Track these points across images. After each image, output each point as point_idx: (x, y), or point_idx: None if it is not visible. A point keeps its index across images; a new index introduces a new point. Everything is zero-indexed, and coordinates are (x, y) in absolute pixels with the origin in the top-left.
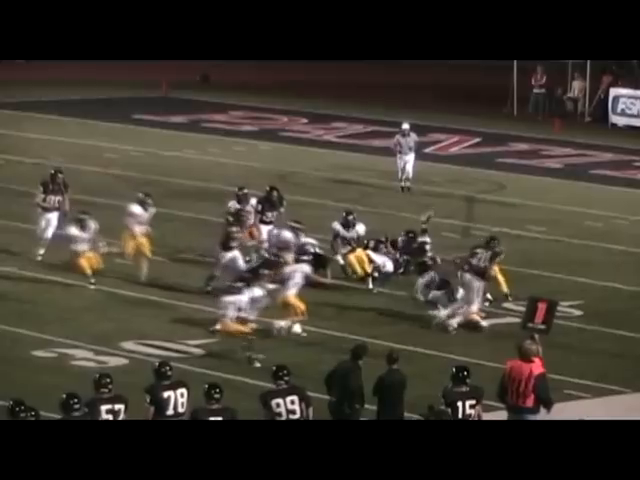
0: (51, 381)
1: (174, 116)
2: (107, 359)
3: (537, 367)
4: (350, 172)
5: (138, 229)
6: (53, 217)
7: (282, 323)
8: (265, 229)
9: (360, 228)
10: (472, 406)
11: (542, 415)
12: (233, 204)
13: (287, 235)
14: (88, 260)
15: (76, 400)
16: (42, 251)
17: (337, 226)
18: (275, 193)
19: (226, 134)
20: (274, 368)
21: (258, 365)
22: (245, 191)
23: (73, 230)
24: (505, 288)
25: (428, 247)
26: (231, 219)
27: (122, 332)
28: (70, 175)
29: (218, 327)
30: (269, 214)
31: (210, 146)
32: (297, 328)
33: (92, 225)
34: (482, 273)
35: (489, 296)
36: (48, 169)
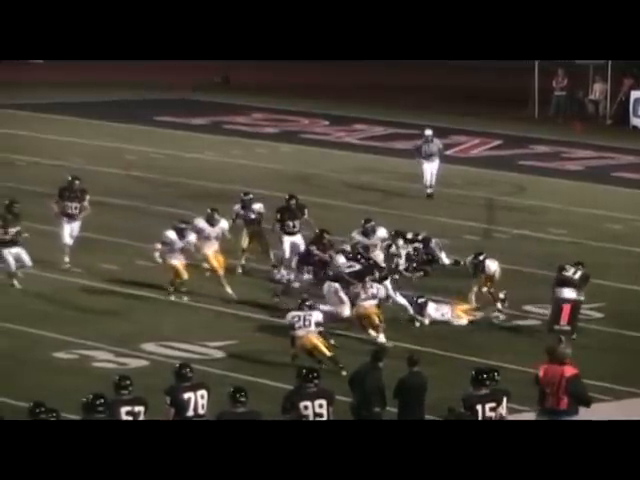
0: (72, 383)
1: (195, 118)
2: (128, 361)
3: (570, 369)
4: (371, 174)
5: (207, 246)
6: (72, 224)
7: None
8: (287, 240)
9: (381, 232)
10: (492, 409)
11: (581, 415)
12: (237, 208)
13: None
14: (178, 269)
15: (102, 401)
16: (67, 259)
17: (357, 236)
18: (294, 201)
19: (247, 136)
20: (304, 371)
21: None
22: (250, 196)
23: (172, 236)
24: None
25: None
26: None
27: (143, 334)
28: (90, 177)
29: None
30: (290, 223)
31: (231, 148)
32: (382, 338)
33: (190, 235)
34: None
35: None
36: (68, 170)
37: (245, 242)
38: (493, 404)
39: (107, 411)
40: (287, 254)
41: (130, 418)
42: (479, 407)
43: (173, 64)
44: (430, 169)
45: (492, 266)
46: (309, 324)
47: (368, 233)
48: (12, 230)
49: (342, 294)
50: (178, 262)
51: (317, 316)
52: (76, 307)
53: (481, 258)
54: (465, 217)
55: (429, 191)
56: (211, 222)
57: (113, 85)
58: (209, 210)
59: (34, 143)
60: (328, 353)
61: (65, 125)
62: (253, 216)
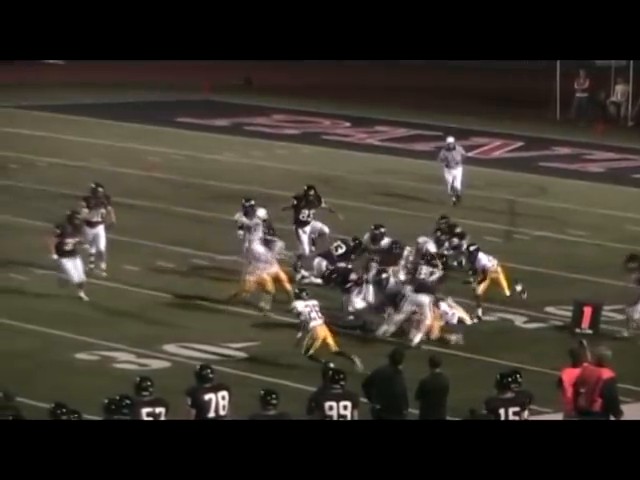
0: (93, 384)
1: (216, 119)
2: (149, 362)
3: (607, 372)
4: (392, 176)
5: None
6: (100, 230)
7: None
8: (303, 235)
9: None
10: (516, 413)
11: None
12: (239, 216)
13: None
14: (264, 281)
15: (128, 402)
16: (104, 265)
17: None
18: (312, 192)
19: (268, 137)
20: (330, 371)
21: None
22: (252, 202)
23: (259, 249)
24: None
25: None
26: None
27: (164, 335)
28: (111, 178)
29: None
30: (305, 212)
31: (252, 149)
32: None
33: (279, 245)
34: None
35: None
36: (89, 171)
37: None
38: (517, 408)
39: (129, 412)
40: (307, 250)
41: (151, 419)
42: (502, 411)
43: (194, 65)
44: (453, 177)
45: (483, 260)
46: (320, 315)
47: (376, 239)
48: (71, 241)
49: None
50: (266, 274)
51: (317, 303)
52: (97, 308)
53: (472, 249)
54: (486, 219)
55: (454, 199)
56: (247, 213)
57: (134, 86)
58: (265, 230)
59: (54, 144)
60: (335, 347)
61: (86, 126)
62: (257, 223)
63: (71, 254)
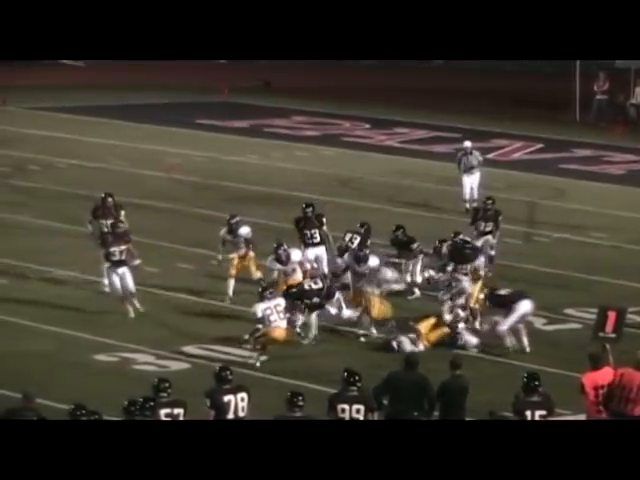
0: (112, 385)
1: (236, 121)
2: (168, 363)
3: None
4: (412, 178)
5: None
6: (125, 270)
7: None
8: (311, 252)
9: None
10: (542, 417)
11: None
12: (224, 233)
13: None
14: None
15: (152, 404)
16: (107, 281)
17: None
18: (310, 209)
19: (288, 139)
20: (345, 373)
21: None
22: (237, 219)
23: (272, 264)
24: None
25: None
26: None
27: (184, 336)
28: (131, 179)
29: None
30: (307, 233)
31: (272, 151)
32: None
33: (293, 255)
34: None
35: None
36: (108, 172)
37: (233, 270)
38: (543, 412)
39: (150, 414)
40: (309, 262)
41: (169, 420)
42: (528, 413)
43: (214, 67)
44: (470, 183)
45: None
46: (283, 316)
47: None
48: (114, 249)
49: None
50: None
51: (282, 303)
52: (117, 309)
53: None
54: (506, 220)
55: (468, 206)
56: (280, 260)
57: (153, 88)
58: (275, 245)
59: (74, 145)
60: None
61: (105, 127)
62: (241, 241)
63: (118, 264)
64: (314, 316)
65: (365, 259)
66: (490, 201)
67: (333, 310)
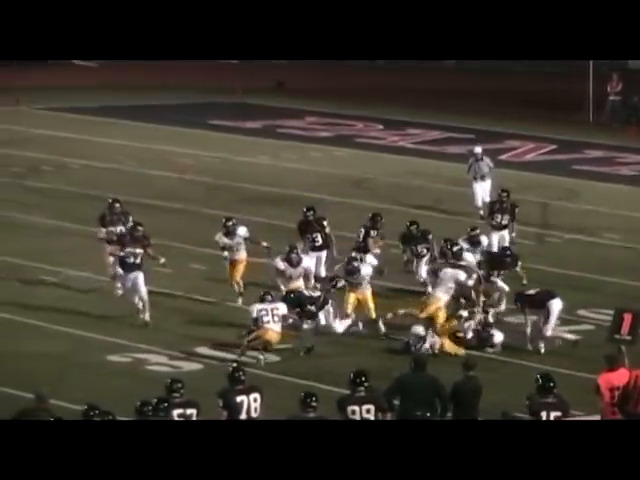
0: (125, 386)
1: (249, 122)
2: (182, 364)
3: None
4: (424, 178)
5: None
6: (138, 275)
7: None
8: (313, 255)
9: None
10: (557, 418)
11: None
12: (220, 237)
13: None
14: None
15: (165, 405)
16: (120, 284)
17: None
18: (311, 213)
19: (301, 140)
20: (352, 375)
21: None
22: (233, 221)
23: (279, 264)
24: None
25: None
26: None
27: (197, 337)
28: (143, 180)
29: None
30: (309, 237)
31: (284, 152)
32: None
33: (304, 260)
34: None
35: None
36: (120, 173)
37: (238, 273)
38: (558, 413)
39: (164, 415)
40: (312, 269)
41: (182, 420)
42: (544, 414)
43: (227, 68)
44: (482, 190)
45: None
46: (278, 319)
47: (415, 238)
48: (129, 251)
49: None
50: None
51: (283, 309)
52: (129, 310)
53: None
54: (519, 221)
55: (482, 213)
56: (290, 262)
57: (166, 89)
58: (288, 247)
59: (86, 146)
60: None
61: (118, 128)
62: (239, 242)
63: (131, 267)
64: (307, 326)
65: (355, 271)
66: (505, 194)
67: (323, 320)
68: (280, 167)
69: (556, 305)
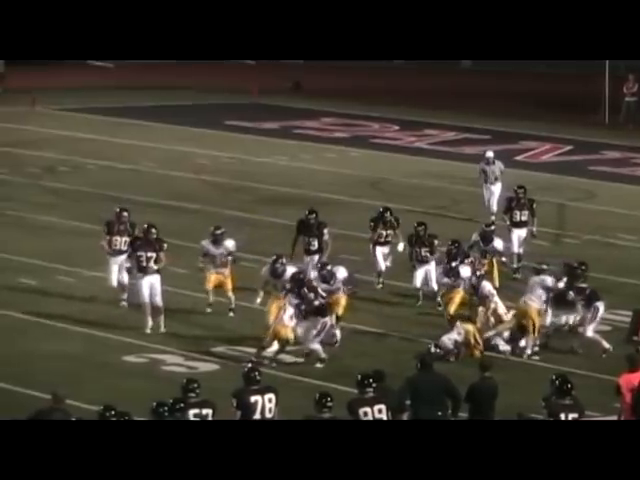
0: (141, 386)
1: (265, 122)
2: (198, 364)
3: None
4: (441, 179)
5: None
6: (122, 260)
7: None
8: (308, 259)
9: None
10: (575, 419)
11: None
12: (206, 244)
13: None
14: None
15: (182, 405)
16: (125, 295)
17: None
18: (312, 216)
19: (317, 140)
20: (359, 377)
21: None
22: (222, 230)
23: (263, 273)
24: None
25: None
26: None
27: (213, 337)
28: (160, 181)
29: None
30: (306, 239)
31: (301, 152)
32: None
33: (338, 273)
34: None
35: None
36: (139, 174)
37: (209, 285)
38: (576, 415)
39: (180, 416)
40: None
41: (197, 420)
42: (562, 416)
43: (243, 68)
44: (491, 194)
45: (487, 287)
46: (292, 319)
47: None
48: (142, 254)
49: None
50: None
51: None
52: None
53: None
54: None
55: (494, 217)
56: (275, 272)
57: (183, 89)
58: (274, 257)
59: (104, 147)
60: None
61: (135, 129)
62: (223, 254)
63: (146, 271)
64: (316, 345)
65: (329, 277)
66: (522, 190)
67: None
68: (296, 168)
69: (602, 307)
